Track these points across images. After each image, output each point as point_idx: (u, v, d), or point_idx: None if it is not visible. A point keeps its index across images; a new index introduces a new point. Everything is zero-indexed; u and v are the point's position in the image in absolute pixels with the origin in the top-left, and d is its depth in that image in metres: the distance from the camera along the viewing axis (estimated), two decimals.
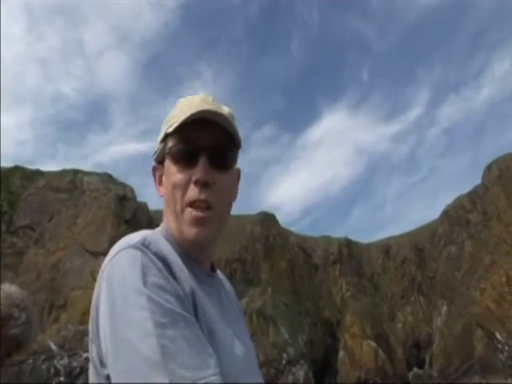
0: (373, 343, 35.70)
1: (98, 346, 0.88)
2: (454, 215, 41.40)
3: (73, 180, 37.58)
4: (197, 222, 1.00)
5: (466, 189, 43.62)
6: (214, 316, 0.97)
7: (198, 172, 1.01)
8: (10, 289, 1.74)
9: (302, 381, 32.60)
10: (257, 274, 38.77)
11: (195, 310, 0.90)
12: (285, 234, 43.32)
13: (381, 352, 35.16)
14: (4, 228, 32.46)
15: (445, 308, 37.34)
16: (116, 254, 0.91)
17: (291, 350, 34.17)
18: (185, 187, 1.02)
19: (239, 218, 44.24)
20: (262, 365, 33.20)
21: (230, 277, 37.60)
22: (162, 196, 1.11)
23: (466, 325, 35.46)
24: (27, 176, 37.10)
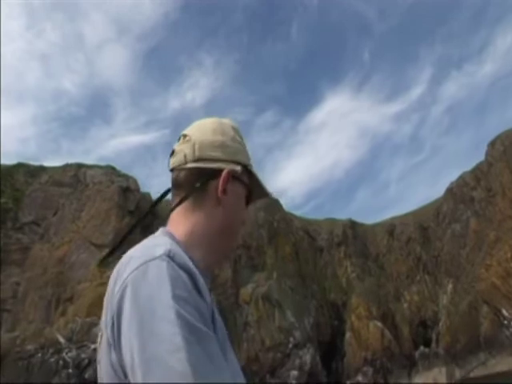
0: (379, 323, 35.89)
1: (119, 353, 0.88)
2: (458, 193, 41.11)
3: (76, 174, 37.82)
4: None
5: (470, 166, 43.29)
6: (224, 333, 1.01)
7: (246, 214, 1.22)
8: None
9: (308, 364, 32.91)
10: (262, 259, 38.94)
11: (214, 326, 0.93)
12: (289, 219, 43.37)
13: (387, 332, 35.36)
14: (10, 225, 32.91)
15: (450, 286, 37.33)
16: (141, 264, 0.90)
17: (297, 334, 34.45)
18: (241, 227, 1.19)
19: None
20: (268, 349, 33.63)
21: (235, 263, 37.90)
22: (218, 201, 1.15)
23: (471, 302, 35.49)
24: (31, 172, 37.46)
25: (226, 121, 1.24)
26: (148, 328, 0.82)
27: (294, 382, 32.14)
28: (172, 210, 1.18)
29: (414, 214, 44.73)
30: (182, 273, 0.89)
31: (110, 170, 38.57)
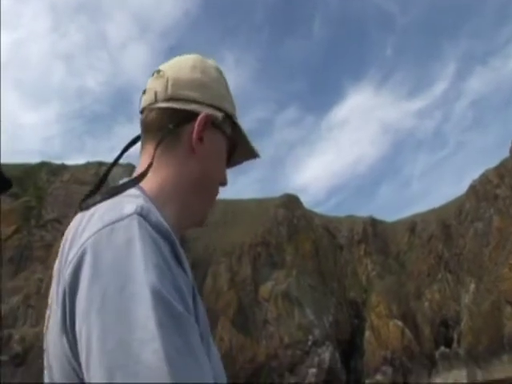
0: (399, 322, 35.61)
1: (73, 339, 0.69)
2: (481, 190, 40.34)
3: (97, 172, 38.39)
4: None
5: (494, 163, 42.39)
6: (205, 315, 0.82)
7: (227, 177, 1.04)
8: None
9: (327, 362, 32.90)
10: (281, 256, 38.95)
11: (195, 306, 0.75)
12: (309, 216, 43.23)
13: (407, 331, 35.07)
14: (33, 222, 33.66)
15: (473, 285, 36.73)
16: (106, 225, 0.70)
17: (317, 332, 34.44)
18: (217, 187, 1.02)
19: (262, 201, 44.42)
20: (287, 346, 33.71)
21: (254, 260, 38.01)
22: (194, 148, 0.95)
23: (494, 302, 34.85)
24: (53, 171, 38.19)
25: (210, 60, 1.08)
26: (113, 307, 0.63)
27: (312, 379, 32.18)
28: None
29: (436, 211, 44.09)
30: (157, 236, 0.70)
31: (131, 168, 38.95)
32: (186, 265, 0.75)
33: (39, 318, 29.13)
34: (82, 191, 36.78)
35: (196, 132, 0.94)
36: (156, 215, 0.74)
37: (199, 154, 0.95)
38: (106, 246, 0.68)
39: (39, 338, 27.96)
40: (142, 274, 0.64)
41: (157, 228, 0.71)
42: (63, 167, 39.15)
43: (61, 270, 0.74)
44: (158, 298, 0.63)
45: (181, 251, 0.74)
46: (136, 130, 1.02)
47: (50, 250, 32.36)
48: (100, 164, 39.27)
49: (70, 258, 0.71)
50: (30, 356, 26.83)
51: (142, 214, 0.71)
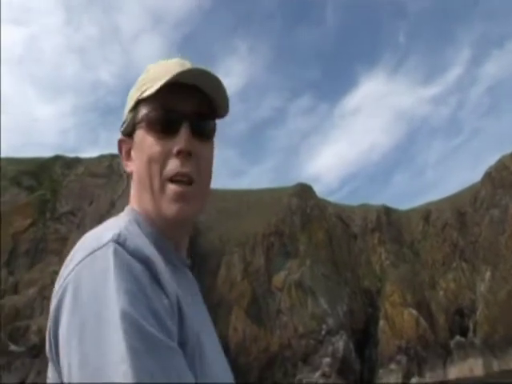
0: (414, 311, 35.43)
1: (58, 368, 0.72)
2: (497, 177, 39.68)
3: (110, 165, 38.66)
4: (179, 197, 0.89)
5: (511, 149, 41.71)
6: (198, 322, 0.84)
7: (179, 142, 0.89)
8: None
9: (341, 351, 32.93)
10: (295, 246, 38.92)
11: (181, 319, 0.76)
12: (322, 205, 43.05)
13: (422, 320, 34.88)
14: (48, 215, 34.10)
15: (488, 273, 36.32)
16: (86, 255, 0.73)
17: (331, 321, 34.45)
18: (164, 160, 0.90)
19: (275, 190, 44.38)
20: (301, 336, 33.81)
21: (267, 250, 38.06)
22: (130, 172, 0.97)
23: (511, 291, 34.51)
24: (67, 164, 38.58)
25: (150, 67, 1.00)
26: (90, 335, 0.65)
27: (326, 369, 32.27)
28: None
29: (451, 199, 43.53)
30: (133, 262, 0.72)
31: None
32: (170, 285, 0.75)
33: None
34: (95, 184, 37.17)
35: (123, 159, 1.02)
36: (134, 241, 0.75)
37: (133, 160, 0.98)
38: (85, 277, 0.71)
39: None
40: (114, 300, 0.66)
41: (133, 254, 0.73)
42: (77, 160, 39.52)
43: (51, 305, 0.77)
44: (129, 322, 0.64)
45: (162, 273, 0.75)
46: None
47: (65, 242, 32.76)
48: (113, 156, 39.49)
49: (56, 290, 0.75)
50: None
51: (118, 242, 0.73)
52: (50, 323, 0.74)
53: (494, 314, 34.25)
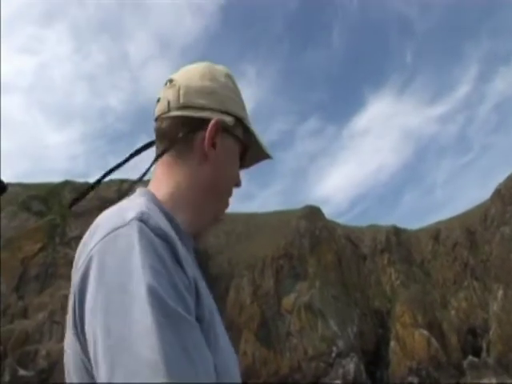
0: (425, 332, 34.81)
1: (84, 342, 0.74)
2: (507, 194, 39.30)
3: (119, 189, 39.26)
4: (223, 214, 1.07)
5: None
6: (211, 303, 0.87)
7: (239, 176, 1.09)
8: None
9: (352, 373, 32.42)
10: (304, 268, 38.79)
11: (198, 299, 0.79)
12: (331, 227, 43.03)
13: (434, 340, 34.24)
14: (58, 240, 34.64)
15: (501, 292, 35.66)
16: (109, 232, 0.76)
17: (341, 343, 34.03)
18: (234, 183, 1.07)
19: (284, 213, 44.50)
20: (311, 359, 33.40)
21: (277, 273, 37.99)
22: (206, 154, 1.00)
23: None
24: (76, 189, 39.22)
25: (219, 67, 1.11)
26: (115, 305, 0.68)
27: None
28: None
29: (460, 217, 43.15)
30: (156, 239, 0.75)
31: None
32: (189, 265, 0.80)
33: (64, 334, 29.82)
34: (104, 208, 37.72)
35: (208, 138, 0.99)
36: (156, 220, 0.80)
37: (212, 160, 1.00)
38: (110, 252, 0.74)
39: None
40: (139, 273, 0.69)
41: (155, 232, 0.76)
42: (86, 185, 40.09)
43: (73, 278, 0.81)
44: (154, 296, 0.68)
45: (180, 255, 0.78)
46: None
47: None
48: (122, 181, 40.11)
49: (79, 265, 0.79)
50: (56, 371, 27.41)
51: (142, 219, 0.77)
52: (74, 293, 0.78)
53: (507, 332, 33.48)
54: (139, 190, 0.97)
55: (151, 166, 1.06)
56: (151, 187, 1.01)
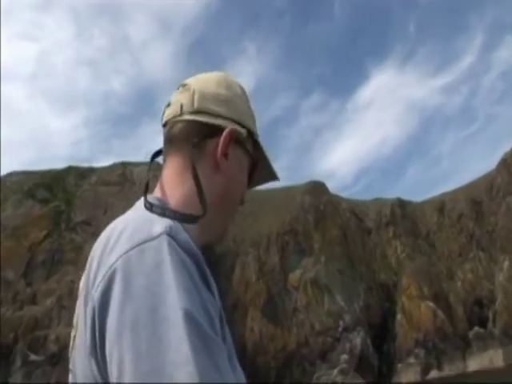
0: (431, 304, 35.03)
1: (102, 361, 0.69)
2: None
3: (123, 173, 39.33)
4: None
5: None
6: (229, 334, 0.83)
7: (245, 193, 1.05)
8: None
9: (359, 347, 32.80)
10: (309, 243, 38.86)
11: (222, 327, 0.75)
12: (335, 201, 42.88)
13: (440, 312, 34.47)
14: (63, 226, 34.88)
15: (507, 263, 35.60)
16: (136, 245, 0.71)
17: (347, 317, 34.34)
18: (241, 194, 1.03)
19: (288, 189, 44.31)
20: (318, 334, 33.80)
21: (282, 249, 38.12)
22: (218, 163, 0.95)
23: None
24: (80, 174, 39.37)
25: (234, 79, 1.07)
26: (146, 330, 0.63)
27: (344, 365, 32.20)
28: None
29: (465, 188, 42.76)
30: (185, 256, 0.71)
31: (156, 166, 39.00)
32: (213, 286, 0.76)
33: (72, 319, 30.34)
34: (109, 192, 37.82)
35: (221, 147, 0.94)
36: (184, 235, 0.75)
37: (223, 171, 0.95)
38: (136, 268, 0.68)
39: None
40: (173, 297, 0.64)
41: (185, 249, 0.71)
42: (90, 170, 40.29)
43: (88, 290, 0.74)
44: (190, 321, 0.63)
45: (207, 272, 0.74)
46: (160, 128, 1.04)
47: (80, 251, 33.46)
48: (125, 164, 40.14)
49: (98, 279, 0.72)
50: (65, 355, 27.90)
51: (171, 235, 0.72)
52: (93, 309, 0.71)
53: None
54: (151, 198, 0.89)
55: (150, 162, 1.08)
56: (160, 193, 0.94)
